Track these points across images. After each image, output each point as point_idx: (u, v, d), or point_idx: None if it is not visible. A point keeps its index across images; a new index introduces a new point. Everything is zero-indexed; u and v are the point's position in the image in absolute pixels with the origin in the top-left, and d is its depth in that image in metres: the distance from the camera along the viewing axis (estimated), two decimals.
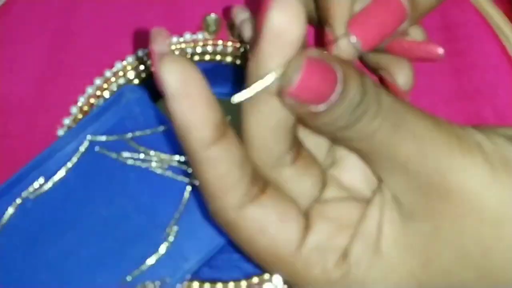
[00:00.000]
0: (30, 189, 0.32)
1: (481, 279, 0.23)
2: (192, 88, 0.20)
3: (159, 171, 0.32)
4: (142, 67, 0.35)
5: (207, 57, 0.35)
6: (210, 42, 0.36)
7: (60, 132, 0.34)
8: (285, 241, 0.24)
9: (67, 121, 0.34)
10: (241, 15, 0.32)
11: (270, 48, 0.20)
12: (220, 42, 0.36)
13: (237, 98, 0.21)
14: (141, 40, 0.36)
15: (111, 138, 0.33)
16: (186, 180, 0.32)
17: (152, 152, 0.32)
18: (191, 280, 0.30)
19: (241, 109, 0.23)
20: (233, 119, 0.34)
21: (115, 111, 0.33)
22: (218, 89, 0.35)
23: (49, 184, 0.32)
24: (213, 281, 0.30)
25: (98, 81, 0.35)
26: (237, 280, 0.30)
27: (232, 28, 0.35)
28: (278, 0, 0.19)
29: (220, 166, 0.22)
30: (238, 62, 0.35)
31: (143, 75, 0.35)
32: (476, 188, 0.22)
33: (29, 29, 0.37)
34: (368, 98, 0.21)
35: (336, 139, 0.24)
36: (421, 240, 0.23)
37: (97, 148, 0.33)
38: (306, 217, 0.25)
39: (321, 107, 0.20)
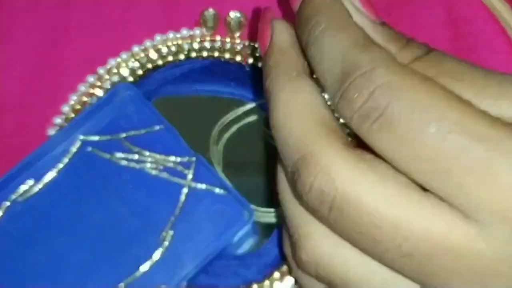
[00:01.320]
0: (20, 191, 0.31)
1: None
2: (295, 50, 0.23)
3: (154, 172, 0.31)
4: (136, 64, 0.35)
5: (204, 54, 0.35)
6: (208, 38, 0.35)
7: (51, 131, 0.33)
8: None
9: (58, 120, 0.34)
10: None
11: None
12: (218, 38, 0.35)
13: None
14: (135, 35, 0.35)
15: (104, 138, 0.32)
16: (182, 182, 0.31)
17: (146, 153, 0.32)
18: (188, 287, 0.29)
19: None
20: (235, 120, 0.34)
21: (108, 110, 0.33)
22: (216, 86, 0.34)
23: (39, 186, 0.31)
24: None
25: (90, 79, 0.34)
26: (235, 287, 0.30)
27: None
28: None
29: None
30: (237, 58, 0.35)
31: (138, 72, 0.35)
32: None
33: (20, 25, 0.36)
34: None
35: None
36: None
37: (89, 149, 0.32)
38: None
39: None
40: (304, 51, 0.23)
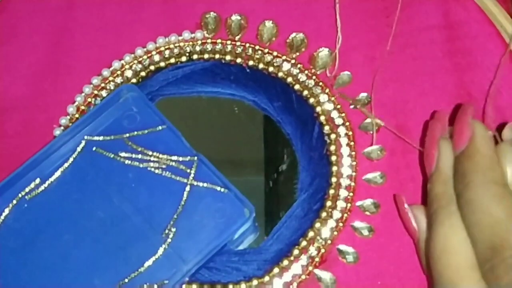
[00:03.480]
0: (26, 189, 0.32)
1: None
2: None
3: (157, 171, 0.32)
4: (139, 66, 0.35)
5: (206, 56, 0.35)
6: (209, 40, 0.36)
7: (57, 131, 0.34)
8: None
9: (63, 120, 0.34)
10: None
11: None
12: (219, 40, 0.35)
13: None
14: (139, 38, 0.36)
15: (108, 137, 0.33)
16: (185, 180, 0.31)
17: (149, 152, 0.32)
18: (190, 282, 0.30)
19: None
20: (234, 119, 0.34)
21: (113, 111, 0.33)
22: (217, 87, 0.35)
23: (45, 185, 0.32)
24: (212, 284, 0.30)
25: (95, 80, 0.35)
26: (236, 283, 0.30)
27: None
28: None
29: None
30: (237, 60, 0.35)
31: (141, 74, 0.35)
32: None
33: (26, 28, 0.37)
34: None
35: None
36: None
37: (93, 148, 0.32)
38: None
39: None
40: (456, 196, 0.27)
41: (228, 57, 0.35)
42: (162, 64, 0.35)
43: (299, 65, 0.35)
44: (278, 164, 0.33)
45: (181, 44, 0.35)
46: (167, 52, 0.35)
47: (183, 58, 0.35)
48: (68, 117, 0.34)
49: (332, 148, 0.33)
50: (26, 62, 0.36)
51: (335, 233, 0.31)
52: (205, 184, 0.31)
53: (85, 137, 0.32)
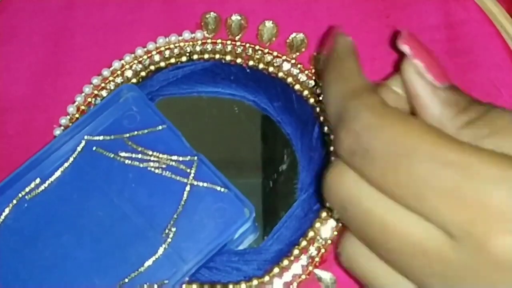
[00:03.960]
0: (26, 189, 0.32)
1: None
2: None
3: (157, 171, 0.32)
4: (140, 66, 0.35)
5: (206, 56, 0.35)
6: (209, 40, 0.36)
7: (57, 131, 0.34)
8: None
9: (64, 120, 0.34)
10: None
11: None
12: (219, 40, 0.35)
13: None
14: (139, 38, 0.36)
15: (108, 137, 0.33)
16: (185, 180, 0.31)
17: (149, 152, 0.32)
18: (190, 282, 0.30)
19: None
20: (234, 119, 0.34)
21: (113, 110, 0.33)
22: (218, 87, 0.35)
23: (45, 185, 0.32)
24: (212, 284, 0.30)
25: (95, 80, 0.35)
26: (236, 283, 0.30)
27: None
28: None
29: None
30: (238, 60, 0.35)
31: (141, 74, 0.35)
32: None
33: (26, 28, 0.37)
34: None
35: None
36: None
37: (94, 148, 0.32)
38: None
39: None
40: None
41: (228, 57, 0.35)
42: (162, 64, 0.35)
43: (299, 65, 0.35)
44: (278, 164, 0.34)
45: (181, 44, 0.35)
46: (167, 52, 0.35)
47: (183, 58, 0.35)
48: (68, 117, 0.34)
49: (332, 148, 0.33)
50: (26, 62, 0.36)
51: (335, 233, 0.31)
52: (205, 184, 0.31)
53: (85, 137, 0.33)
